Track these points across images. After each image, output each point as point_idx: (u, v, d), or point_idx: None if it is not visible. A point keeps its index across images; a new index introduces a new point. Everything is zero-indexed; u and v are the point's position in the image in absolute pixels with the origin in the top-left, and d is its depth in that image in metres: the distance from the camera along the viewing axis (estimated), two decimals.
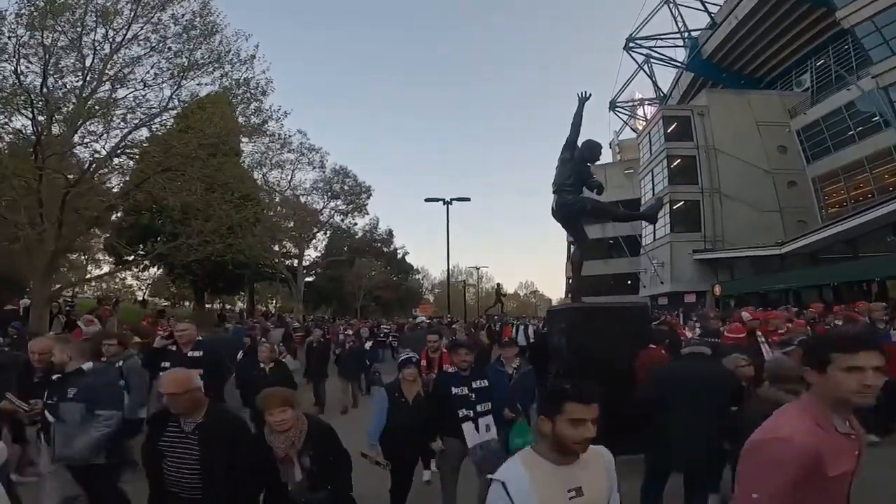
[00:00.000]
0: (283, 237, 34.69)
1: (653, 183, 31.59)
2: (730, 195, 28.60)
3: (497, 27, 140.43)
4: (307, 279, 43.50)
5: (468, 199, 19.86)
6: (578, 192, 6.32)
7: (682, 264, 28.28)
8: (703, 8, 32.75)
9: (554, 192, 6.48)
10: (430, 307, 39.74)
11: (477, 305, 35.20)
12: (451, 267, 60.96)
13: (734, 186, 28.63)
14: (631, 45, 37.47)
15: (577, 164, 6.37)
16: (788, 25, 29.33)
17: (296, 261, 37.18)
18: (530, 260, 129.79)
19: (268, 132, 16.23)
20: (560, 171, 6.41)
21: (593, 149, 6.67)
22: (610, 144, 55.74)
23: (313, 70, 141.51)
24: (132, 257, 21.44)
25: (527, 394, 4.65)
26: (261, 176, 33.96)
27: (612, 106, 48.23)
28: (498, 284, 30.64)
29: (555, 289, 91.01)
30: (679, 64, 37.00)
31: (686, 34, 35.46)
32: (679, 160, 29.77)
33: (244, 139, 17.23)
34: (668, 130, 29.96)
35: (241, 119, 15.98)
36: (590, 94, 6.35)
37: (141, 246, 21.89)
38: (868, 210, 18.10)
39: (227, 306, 50.31)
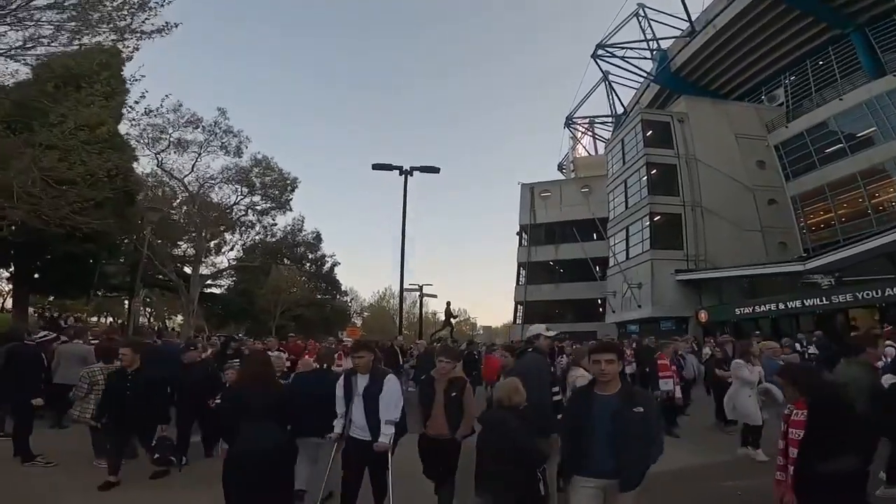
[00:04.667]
0: (173, 232, 27.22)
1: (626, 194, 28.19)
2: (711, 210, 25.66)
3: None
4: (213, 290, 35.55)
5: (437, 170, 14.51)
6: None
7: (663, 285, 24.59)
8: (685, 15, 30.68)
9: None
10: (358, 331, 33.56)
11: (420, 327, 29.51)
12: (385, 290, 54.82)
13: (715, 201, 25.75)
14: (600, 52, 34.89)
15: None
16: (769, 36, 27.71)
17: (198, 266, 29.62)
18: (462, 287, 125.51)
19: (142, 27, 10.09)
20: None
21: None
22: (559, 166, 53.39)
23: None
24: None
25: None
26: (153, 155, 26.92)
27: (569, 122, 45.77)
28: (447, 304, 25.21)
29: (489, 317, 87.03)
30: (646, 74, 34.89)
31: (656, 47, 33.55)
32: (657, 169, 26.60)
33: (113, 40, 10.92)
34: (647, 135, 26.80)
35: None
36: None
37: None
38: None
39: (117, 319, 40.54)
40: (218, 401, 4.94)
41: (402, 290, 17.94)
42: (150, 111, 12.69)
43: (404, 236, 15.01)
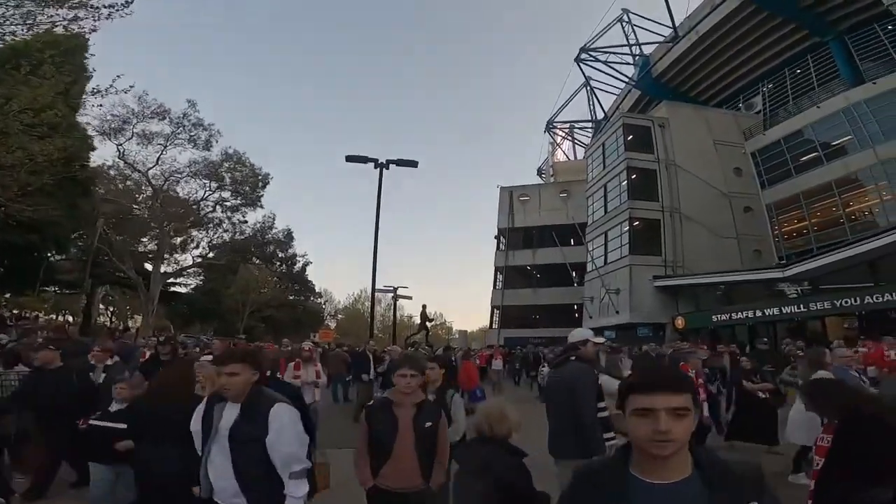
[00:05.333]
0: (133, 227, 25.80)
1: (605, 199, 27.91)
2: (689, 216, 25.55)
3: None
4: (177, 289, 34.04)
5: (414, 164, 13.79)
6: None
7: (641, 291, 24.30)
8: (668, 21, 30.73)
9: None
10: (331, 333, 32.52)
11: (394, 331, 28.65)
12: (360, 291, 53.65)
13: (693, 207, 25.65)
14: (583, 56, 34.76)
15: None
16: (750, 43, 27.87)
17: (159, 263, 28.16)
18: (439, 290, 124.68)
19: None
20: None
21: None
22: (538, 170, 53.17)
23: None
24: None
25: None
26: (116, 146, 25.63)
27: (549, 126, 45.63)
28: (423, 307, 24.56)
29: (466, 321, 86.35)
30: (627, 80, 34.90)
31: (639, 52, 33.62)
32: (637, 174, 26.39)
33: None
34: (628, 139, 26.59)
35: None
36: None
37: None
38: None
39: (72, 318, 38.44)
40: (94, 421, 3.65)
41: (373, 289, 17.10)
42: (98, 91, 11.68)
43: (377, 232, 14.30)
